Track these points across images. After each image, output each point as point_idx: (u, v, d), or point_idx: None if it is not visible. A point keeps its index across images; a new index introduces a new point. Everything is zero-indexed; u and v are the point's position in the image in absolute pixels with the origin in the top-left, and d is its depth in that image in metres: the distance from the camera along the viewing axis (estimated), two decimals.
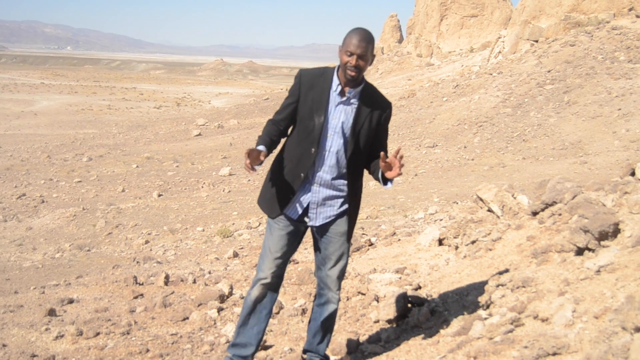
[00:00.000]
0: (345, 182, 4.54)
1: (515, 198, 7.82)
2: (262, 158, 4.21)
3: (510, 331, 4.21)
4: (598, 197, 5.68)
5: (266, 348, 5.66)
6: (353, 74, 4.23)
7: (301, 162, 4.44)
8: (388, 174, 4.29)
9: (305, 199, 4.53)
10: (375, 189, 19.13)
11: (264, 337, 5.30)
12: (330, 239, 4.64)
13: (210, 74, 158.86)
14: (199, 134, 39.71)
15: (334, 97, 4.38)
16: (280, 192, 4.53)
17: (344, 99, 4.36)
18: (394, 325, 5.72)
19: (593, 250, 4.90)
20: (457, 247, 7.69)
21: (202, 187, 23.25)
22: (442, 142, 26.70)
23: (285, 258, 4.68)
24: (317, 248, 4.75)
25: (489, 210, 8.03)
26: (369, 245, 9.60)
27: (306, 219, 4.58)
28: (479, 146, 24.85)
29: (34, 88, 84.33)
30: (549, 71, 30.68)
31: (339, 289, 4.82)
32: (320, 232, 4.64)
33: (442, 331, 5.16)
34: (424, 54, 73.34)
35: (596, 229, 4.89)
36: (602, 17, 36.15)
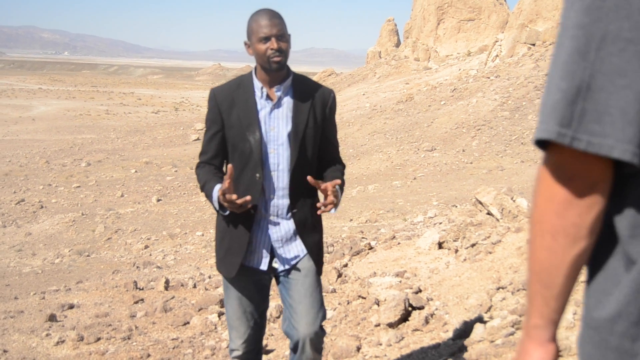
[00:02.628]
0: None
1: (514, 201, 7.84)
2: (239, 199, 3.26)
3: (512, 334, 4.22)
4: None
5: (267, 352, 5.67)
6: (279, 59, 3.37)
7: (249, 195, 3.37)
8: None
9: (266, 239, 3.57)
10: (374, 192, 19.13)
11: (266, 342, 5.25)
12: (296, 281, 3.63)
13: (208, 78, 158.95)
14: (197, 139, 39.72)
15: (262, 104, 3.50)
16: (234, 242, 3.55)
17: (275, 101, 3.50)
18: (395, 329, 5.73)
19: None
20: (457, 251, 7.70)
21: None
22: (441, 145, 26.72)
23: (255, 320, 3.73)
24: (282, 297, 3.72)
25: (489, 214, 8.05)
26: (369, 249, 9.61)
27: (275, 265, 3.62)
28: (478, 149, 24.88)
29: (31, 93, 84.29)
30: (546, 74, 30.68)
31: (319, 353, 3.67)
32: (285, 273, 3.65)
33: (443, 334, 5.17)
34: (421, 57, 73.36)
35: None
36: None
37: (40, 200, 22.54)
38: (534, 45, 39.14)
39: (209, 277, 9.47)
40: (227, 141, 3.54)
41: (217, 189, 3.37)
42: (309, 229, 3.60)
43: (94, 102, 73.50)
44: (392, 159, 25.30)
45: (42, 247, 16.96)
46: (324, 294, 4.10)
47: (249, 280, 3.64)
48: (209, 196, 3.47)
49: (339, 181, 3.39)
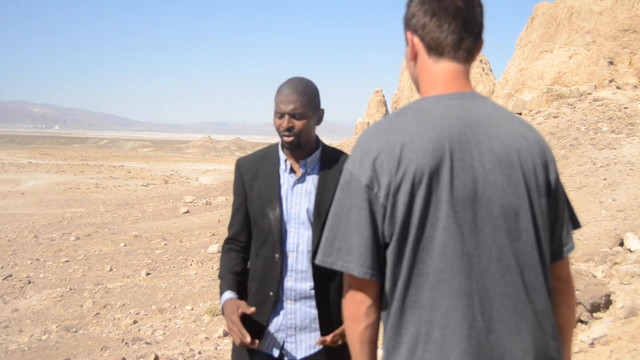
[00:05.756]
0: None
1: None
2: (248, 312, 3.09)
3: None
4: (588, 269, 5.68)
5: None
6: (289, 139, 3.16)
7: (267, 277, 3.24)
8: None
9: (278, 324, 3.27)
10: None
11: None
12: None
13: (197, 151, 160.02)
14: (187, 212, 39.65)
15: (286, 178, 3.27)
16: (250, 327, 3.17)
17: (299, 176, 3.26)
18: None
19: (586, 323, 4.87)
20: None
21: (191, 264, 23.07)
22: None
23: None
24: None
25: None
26: None
27: (285, 354, 3.29)
28: None
29: (21, 167, 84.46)
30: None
31: None
32: None
33: None
34: None
35: (588, 300, 4.87)
36: (584, 89, 36.81)
37: (28, 275, 22.30)
38: (520, 114, 39.60)
39: (199, 353, 9.34)
40: (250, 215, 3.33)
41: (225, 297, 3.23)
42: (333, 318, 3.23)
43: (84, 176, 73.62)
44: None
45: (30, 323, 16.71)
46: None
47: None
48: (220, 295, 3.30)
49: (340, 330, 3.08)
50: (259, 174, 3.30)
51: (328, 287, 3.22)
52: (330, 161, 3.30)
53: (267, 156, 3.36)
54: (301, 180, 3.25)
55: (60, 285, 20.71)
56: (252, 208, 3.29)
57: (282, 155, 3.30)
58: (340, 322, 3.10)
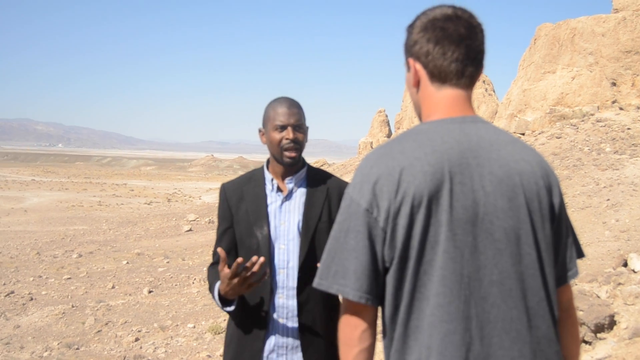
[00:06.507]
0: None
1: None
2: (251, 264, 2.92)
3: None
4: (592, 289, 5.67)
5: None
6: (293, 154, 3.19)
7: (257, 296, 3.21)
8: None
9: (271, 344, 3.23)
10: None
11: None
12: None
13: (200, 169, 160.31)
14: (190, 230, 39.63)
15: (273, 197, 3.28)
16: (245, 349, 3.23)
17: (286, 194, 3.28)
18: None
19: (590, 343, 4.85)
20: None
21: (193, 282, 23.05)
22: None
23: None
24: None
25: None
26: None
27: None
28: None
29: (24, 185, 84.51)
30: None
31: None
32: None
33: None
34: None
35: (592, 321, 4.85)
36: (587, 110, 36.89)
37: (30, 292, 22.28)
38: (523, 134, 39.67)
39: None
40: (236, 237, 3.32)
41: (217, 285, 3.13)
42: (317, 337, 3.20)
43: (87, 194, 73.67)
44: None
45: (31, 340, 16.67)
46: None
47: None
48: (213, 296, 3.21)
49: None
50: (244, 196, 3.31)
51: (314, 302, 3.19)
52: (316, 179, 3.35)
53: (252, 179, 3.39)
54: (289, 197, 3.29)
55: (62, 303, 20.69)
56: (239, 229, 3.29)
57: (268, 175, 3.35)
58: (324, 343, 3.17)
